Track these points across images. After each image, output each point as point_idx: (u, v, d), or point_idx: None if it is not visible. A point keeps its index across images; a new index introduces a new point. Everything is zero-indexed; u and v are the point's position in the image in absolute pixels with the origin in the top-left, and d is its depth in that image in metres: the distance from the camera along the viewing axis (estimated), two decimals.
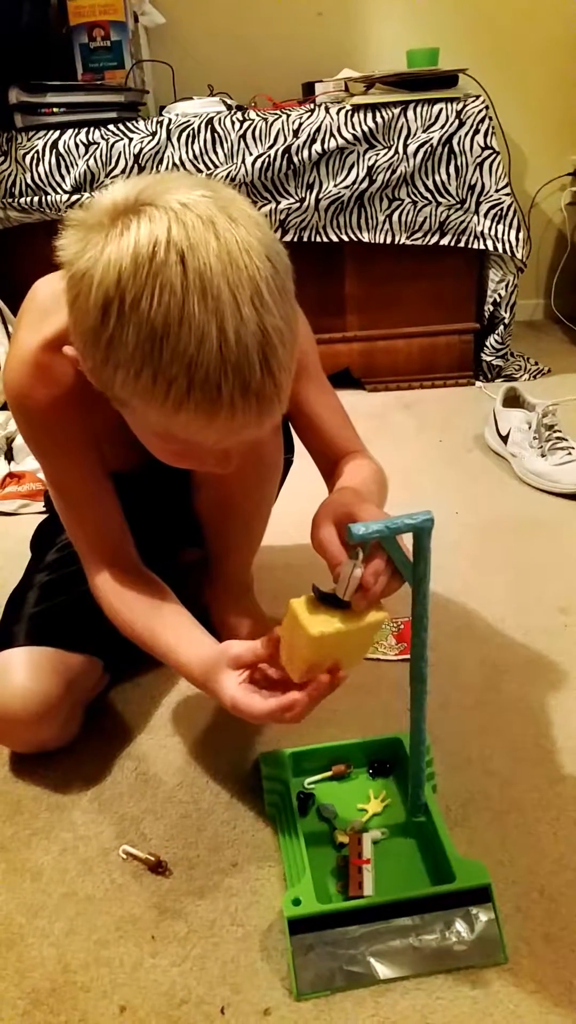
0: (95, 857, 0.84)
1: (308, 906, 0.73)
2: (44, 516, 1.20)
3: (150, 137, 1.99)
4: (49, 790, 0.93)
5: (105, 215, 0.64)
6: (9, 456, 1.84)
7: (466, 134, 1.96)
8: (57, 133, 2.01)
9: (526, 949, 0.73)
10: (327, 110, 1.97)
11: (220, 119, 1.98)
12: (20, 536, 1.20)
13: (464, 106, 1.95)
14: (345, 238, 2.06)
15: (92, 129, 2.01)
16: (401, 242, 2.07)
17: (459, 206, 2.02)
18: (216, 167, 1.99)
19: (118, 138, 2.00)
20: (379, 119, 1.95)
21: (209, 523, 1.09)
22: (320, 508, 0.78)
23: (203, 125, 1.98)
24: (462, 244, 2.07)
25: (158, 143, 1.99)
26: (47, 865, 0.84)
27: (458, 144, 1.97)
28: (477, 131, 1.96)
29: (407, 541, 0.68)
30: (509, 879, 0.79)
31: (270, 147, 1.97)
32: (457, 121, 1.95)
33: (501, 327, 2.17)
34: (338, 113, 1.96)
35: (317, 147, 1.96)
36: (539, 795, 0.89)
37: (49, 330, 0.82)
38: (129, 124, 2.02)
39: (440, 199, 2.02)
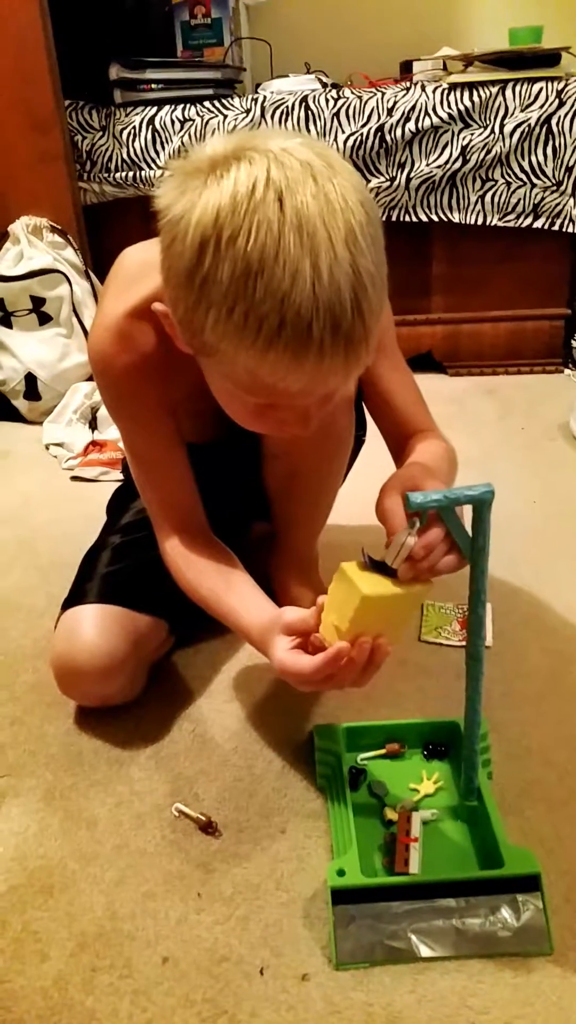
0: (149, 812, 0.87)
1: (352, 878, 0.73)
2: (121, 483, 1.23)
3: (244, 114, 2.00)
4: (110, 744, 0.96)
5: (205, 162, 0.65)
6: (93, 425, 1.88)
7: (566, 114, 1.89)
8: (154, 109, 2.04)
9: (573, 941, 0.72)
10: (423, 88, 1.94)
11: (314, 97, 1.97)
12: (99, 501, 1.23)
13: (565, 85, 1.89)
14: (435, 218, 2.03)
15: (188, 106, 2.02)
16: (493, 223, 2.02)
17: (555, 188, 1.96)
18: None
19: (213, 115, 2.01)
20: (476, 98, 1.90)
21: (277, 495, 1.10)
22: (387, 481, 0.78)
23: (297, 103, 1.98)
24: (556, 227, 2.00)
25: (252, 120, 1.99)
26: (103, 816, 0.86)
27: (557, 124, 1.90)
28: None
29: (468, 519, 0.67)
30: (560, 870, 0.78)
31: (363, 125, 1.95)
32: (557, 101, 1.89)
33: None
34: (434, 92, 1.93)
35: (411, 126, 1.93)
36: None
37: (134, 298, 0.84)
38: (225, 101, 2.02)
39: (535, 180, 1.96)
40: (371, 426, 1.05)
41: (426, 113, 1.92)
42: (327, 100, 1.96)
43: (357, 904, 0.73)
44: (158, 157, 2.05)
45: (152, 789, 0.89)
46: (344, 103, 1.96)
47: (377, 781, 0.87)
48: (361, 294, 0.63)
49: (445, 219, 2.03)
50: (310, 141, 0.66)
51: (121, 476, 1.48)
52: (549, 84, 1.89)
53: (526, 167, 1.95)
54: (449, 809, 0.84)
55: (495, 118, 1.92)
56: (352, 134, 1.95)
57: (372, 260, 0.64)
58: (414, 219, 2.04)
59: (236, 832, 0.84)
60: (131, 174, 2.07)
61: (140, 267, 0.85)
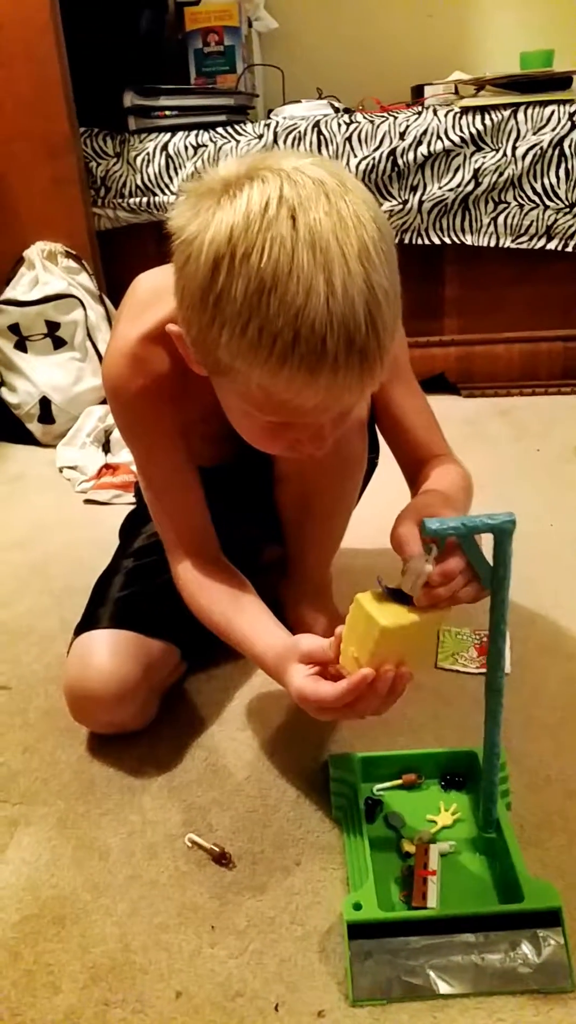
0: (161, 842, 0.85)
1: (369, 912, 0.71)
2: (133, 507, 1.23)
3: (257, 140, 2.02)
4: (123, 772, 0.95)
5: (218, 183, 0.66)
6: (106, 448, 1.89)
7: None
8: (168, 135, 2.06)
9: None
10: (435, 112, 1.95)
11: (327, 122, 1.99)
12: (111, 525, 1.23)
13: None
14: (448, 240, 2.04)
15: (201, 132, 2.05)
16: (506, 245, 2.02)
17: (568, 210, 1.97)
18: None
19: (226, 141, 2.03)
20: (488, 121, 1.92)
21: (290, 518, 1.09)
22: (403, 510, 0.77)
23: (310, 128, 1.99)
24: (569, 248, 2.01)
25: (265, 145, 2.01)
26: (115, 846, 0.85)
27: (570, 147, 1.91)
28: None
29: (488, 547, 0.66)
30: None
31: (375, 149, 1.96)
32: (569, 123, 1.90)
33: None
34: (446, 115, 1.94)
35: (423, 149, 1.94)
36: None
37: (148, 323, 0.85)
38: (238, 127, 2.05)
39: (548, 203, 1.96)
40: (384, 449, 1.05)
41: (438, 137, 1.93)
42: (339, 125, 1.98)
43: (374, 939, 0.71)
44: (172, 183, 2.07)
45: (165, 819, 0.88)
46: (356, 128, 1.97)
47: (393, 812, 0.85)
48: (375, 309, 0.63)
49: (458, 241, 2.04)
50: (322, 160, 0.66)
51: (134, 500, 1.49)
52: (561, 107, 1.90)
53: (539, 189, 1.96)
54: (467, 841, 0.82)
55: (507, 141, 1.93)
56: (364, 158, 1.97)
57: (386, 276, 0.64)
58: (427, 242, 2.05)
59: (250, 864, 0.83)
60: (145, 200, 2.09)
61: (154, 292, 0.86)
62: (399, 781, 0.89)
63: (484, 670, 1.05)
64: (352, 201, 0.63)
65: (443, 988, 0.70)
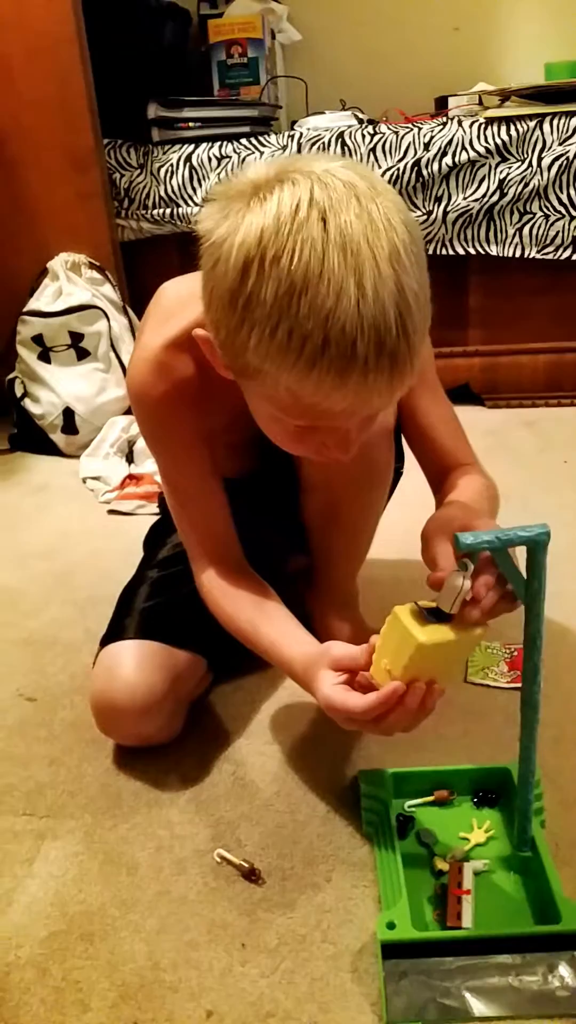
0: (190, 857, 0.84)
1: (403, 931, 0.70)
2: (157, 517, 1.22)
3: (281, 151, 2.02)
4: (149, 786, 0.94)
5: (247, 186, 0.65)
6: (130, 458, 1.89)
7: None
8: (191, 147, 2.07)
9: None
10: (460, 123, 1.95)
11: (351, 133, 1.99)
12: (135, 535, 1.22)
13: None
14: (472, 251, 2.03)
15: (225, 143, 2.05)
16: (531, 256, 2.01)
17: None
18: None
19: (249, 152, 2.03)
20: (513, 132, 1.91)
21: (316, 529, 1.08)
22: (429, 523, 0.76)
23: (334, 139, 2.00)
24: None
25: (289, 156, 2.01)
26: (143, 861, 0.84)
27: None
28: None
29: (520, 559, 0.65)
30: None
31: (399, 160, 1.96)
32: None
33: None
34: (471, 126, 1.93)
35: (448, 160, 1.94)
36: None
37: (173, 330, 0.85)
38: (261, 138, 2.05)
39: (574, 213, 1.95)
40: (409, 458, 1.04)
41: (463, 148, 1.93)
42: (363, 136, 1.98)
43: (408, 959, 0.70)
44: (195, 194, 2.08)
45: (193, 833, 0.87)
46: (380, 138, 1.97)
47: (426, 829, 0.84)
48: (405, 312, 0.63)
49: (482, 252, 2.03)
50: (352, 163, 0.66)
51: (157, 510, 1.48)
52: None
53: (564, 200, 1.94)
54: (501, 859, 0.81)
55: (533, 152, 1.92)
56: (389, 169, 1.96)
57: (416, 279, 0.64)
58: (451, 252, 2.04)
59: (280, 880, 0.81)
60: (168, 211, 2.10)
61: (178, 300, 0.86)
62: (431, 797, 0.87)
63: (515, 685, 1.05)
64: (383, 204, 0.63)
65: (479, 1010, 0.68)
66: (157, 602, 1.02)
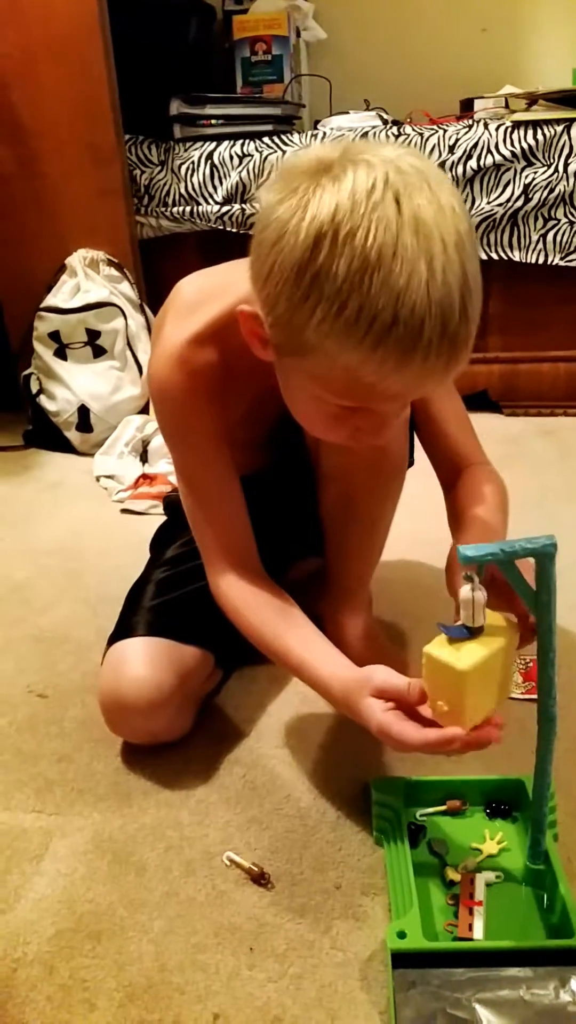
0: (199, 859, 0.84)
1: (414, 941, 0.69)
2: (163, 522, 1.21)
3: (303, 150, 2.01)
4: (159, 786, 0.93)
5: (312, 163, 0.66)
6: (144, 458, 1.89)
7: None
8: (213, 145, 2.06)
9: None
10: (486, 126, 1.94)
11: (375, 133, 1.98)
12: (147, 535, 1.22)
13: None
14: (495, 256, 2.02)
15: (247, 141, 2.05)
16: (554, 262, 2.00)
17: None
18: None
19: (272, 151, 2.03)
20: (540, 136, 1.90)
21: (332, 521, 1.07)
22: (452, 554, 0.76)
23: (358, 138, 1.98)
24: None
25: None
26: (152, 861, 0.84)
27: None
28: None
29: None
30: None
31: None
32: None
33: None
34: (497, 129, 1.92)
35: (473, 163, 1.93)
36: None
37: (195, 325, 0.85)
38: (284, 137, 2.04)
39: None
40: (418, 452, 1.04)
41: (488, 151, 1.92)
42: (387, 136, 1.97)
43: (418, 969, 0.69)
44: (215, 192, 2.07)
45: (202, 835, 0.87)
46: (405, 140, 1.96)
47: (437, 839, 0.83)
48: (468, 298, 0.64)
49: (505, 257, 2.01)
50: (416, 152, 0.68)
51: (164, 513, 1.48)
52: None
53: None
54: (513, 871, 0.80)
55: (559, 157, 1.90)
56: None
57: (476, 267, 0.66)
58: None
59: (289, 885, 0.81)
60: (188, 209, 2.10)
61: (199, 295, 0.87)
62: (443, 807, 0.86)
63: (530, 696, 1.04)
64: (448, 192, 0.65)
65: (489, 1022, 0.67)
66: (164, 599, 1.02)
